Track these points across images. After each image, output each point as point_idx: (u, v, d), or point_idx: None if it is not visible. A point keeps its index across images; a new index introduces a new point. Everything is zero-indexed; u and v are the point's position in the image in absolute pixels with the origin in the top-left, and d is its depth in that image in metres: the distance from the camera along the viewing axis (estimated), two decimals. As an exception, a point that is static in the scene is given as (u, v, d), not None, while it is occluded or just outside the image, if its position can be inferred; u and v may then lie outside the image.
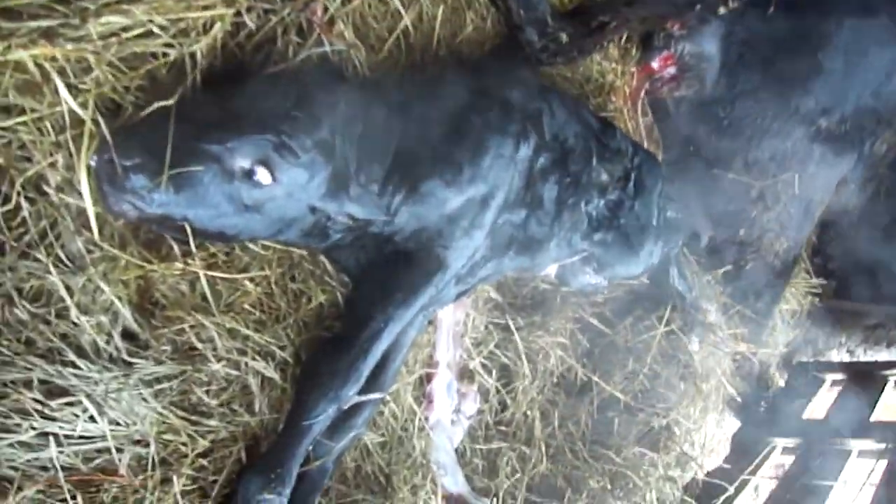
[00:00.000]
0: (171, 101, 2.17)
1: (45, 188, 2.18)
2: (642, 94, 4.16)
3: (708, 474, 4.51)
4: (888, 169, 4.69)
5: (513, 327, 3.51)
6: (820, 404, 5.15)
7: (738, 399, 4.68)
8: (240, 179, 2.24)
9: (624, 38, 3.99)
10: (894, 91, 4.23)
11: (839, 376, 5.37)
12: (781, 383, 5.35)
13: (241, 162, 2.22)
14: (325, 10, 2.77)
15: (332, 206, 2.49)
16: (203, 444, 2.60)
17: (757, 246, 4.41)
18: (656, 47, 4.02)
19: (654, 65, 4.06)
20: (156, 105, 2.17)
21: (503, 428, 3.62)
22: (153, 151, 2.05)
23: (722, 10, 3.82)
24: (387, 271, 2.76)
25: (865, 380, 5.16)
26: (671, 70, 4.08)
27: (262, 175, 2.26)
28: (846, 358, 5.56)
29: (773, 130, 4.05)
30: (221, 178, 2.20)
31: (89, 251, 2.29)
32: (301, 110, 2.36)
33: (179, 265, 2.49)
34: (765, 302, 4.73)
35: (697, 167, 4.20)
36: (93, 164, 2.06)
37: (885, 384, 5.03)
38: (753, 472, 4.54)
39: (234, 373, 2.67)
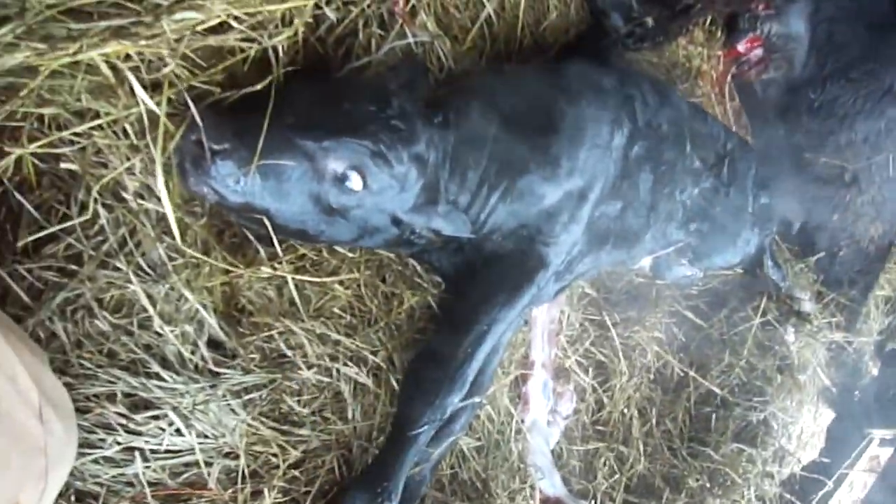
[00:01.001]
0: (260, 87, 2.14)
1: (123, 194, 2.12)
2: (729, 77, 4.06)
3: (804, 468, 4.37)
4: None
5: (609, 323, 3.42)
6: (916, 393, 4.99)
7: (833, 390, 4.54)
8: (330, 181, 2.18)
9: (709, 21, 3.90)
10: None
11: (935, 364, 5.19)
12: (875, 372, 5.19)
13: (335, 164, 2.16)
14: (407, 0, 2.69)
15: (418, 221, 2.42)
16: (295, 454, 2.55)
17: (851, 231, 4.25)
18: (742, 29, 3.91)
19: (741, 47, 3.95)
20: (250, 88, 2.14)
21: (600, 427, 3.54)
22: (243, 138, 2.00)
23: (809, -12, 3.71)
24: (487, 272, 2.68)
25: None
26: (758, 52, 3.96)
27: (355, 181, 2.19)
28: (942, 344, 5.38)
29: (866, 110, 3.89)
30: (311, 176, 2.15)
31: (171, 258, 2.22)
32: (402, 120, 2.28)
33: (266, 269, 2.43)
34: (859, 289, 4.57)
35: (788, 151, 4.06)
36: (180, 144, 2.01)
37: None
38: (851, 466, 4.41)
39: (326, 380, 2.61)
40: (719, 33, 3.98)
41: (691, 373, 3.73)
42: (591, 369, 3.46)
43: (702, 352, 3.85)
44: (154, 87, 2.03)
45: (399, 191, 2.31)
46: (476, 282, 2.68)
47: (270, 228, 2.17)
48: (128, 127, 2.04)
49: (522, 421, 3.13)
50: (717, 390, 3.77)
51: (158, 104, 1.97)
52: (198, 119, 1.94)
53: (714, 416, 3.84)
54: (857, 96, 3.89)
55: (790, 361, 4.09)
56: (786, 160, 4.03)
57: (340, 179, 2.18)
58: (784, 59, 3.97)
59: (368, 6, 2.60)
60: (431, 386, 2.51)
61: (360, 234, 2.37)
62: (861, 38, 3.88)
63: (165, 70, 2.02)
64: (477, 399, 2.73)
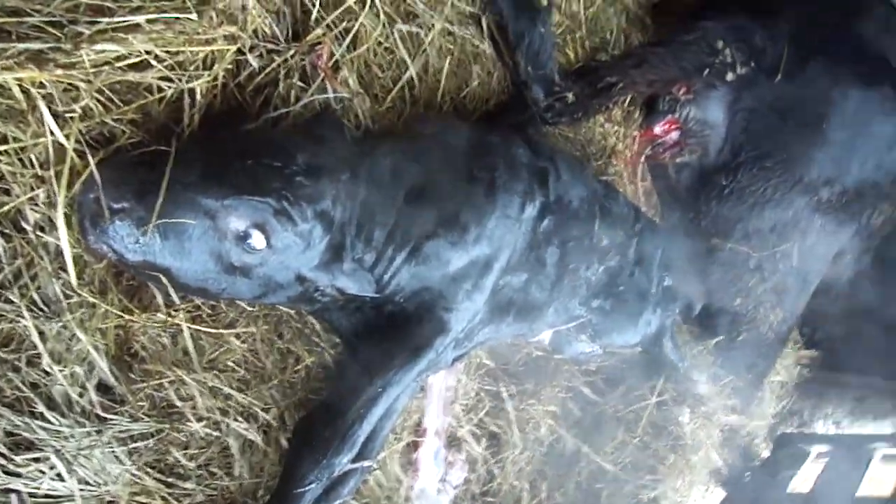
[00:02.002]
0: (170, 147, 2.08)
1: (24, 224, 2.06)
2: (643, 158, 4.10)
3: (693, 547, 4.40)
4: (883, 241, 4.63)
5: (505, 395, 3.40)
6: (805, 477, 5.05)
7: (724, 471, 4.59)
8: (232, 240, 2.15)
9: (628, 100, 3.93)
10: (894, 163, 4.19)
11: (825, 448, 5.27)
12: (766, 454, 5.26)
13: (237, 223, 2.12)
14: (331, 55, 2.69)
15: (323, 279, 2.39)
16: (178, 508, 2.46)
17: (752, 317, 4.31)
18: (661, 111, 3.98)
19: (658, 129, 4.01)
20: (153, 148, 2.09)
21: (489, 499, 3.49)
22: (143, 197, 1.97)
23: (730, 77, 3.79)
24: (385, 333, 2.64)
25: (851, 452, 5.06)
26: (674, 135, 4.03)
27: (257, 239, 2.16)
28: (832, 430, 5.49)
29: (774, 200, 3.97)
30: (213, 235, 2.11)
31: (67, 296, 2.16)
32: (307, 177, 2.26)
33: (162, 316, 2.39)
34: (756, 373, 4.64)
35: (696, 235, 4.12)
36: (80, 200, 1.97)
37: (872, 457, 4.93)
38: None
39: (214, 434, 2.55)
40: (637, 113, 4.03)
41: (585, 448, 3.72)
42: (483, 439, 3.42)
43: (596, 428, 3.84)
44: (67, 119, 2.00)
45: (304, 249, 2.29)
46: (374, 342, 2.65)
47: (170, 286, 2.14)
48: (34, 156, 2.00)
49: (412, 488, 3.08)
50: (609, 467, 3.76)
51: (68, 136, 1.94)
52: (96, 176, 1.90)
53: (605, 492, 3.82)
54: (768, 186, 3.97)
55: (684, 442, 4.12)
56: (693, 243, 4.08)
57: (242, 238, 2.14)
58: (699, 145, 4.05)
59: (292, 57, 2.59)
60: (320, 444, 2.45)
61: (263, 291, 2.33)
62: (776, 129, 3.96)
63: (79, 103, 1.99)
64: (367, 463, 2.68)
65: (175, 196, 2.00)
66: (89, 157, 1.92)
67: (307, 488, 2.42)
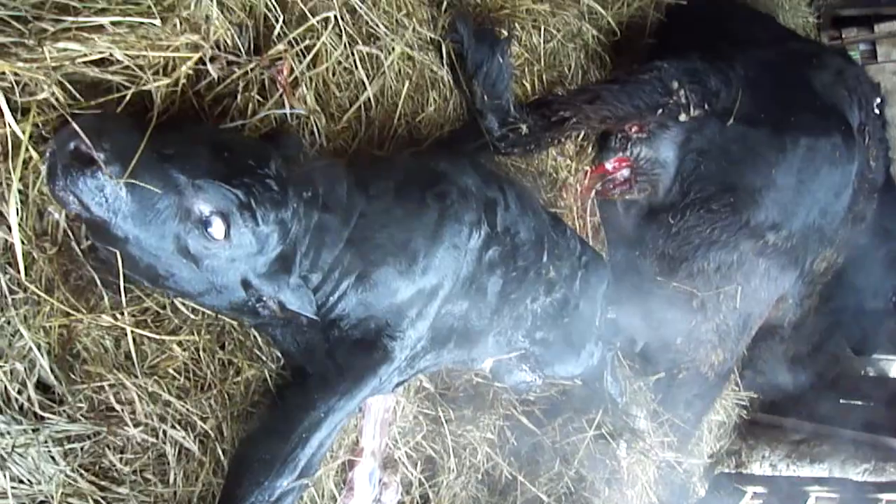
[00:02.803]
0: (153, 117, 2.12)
1: (-29, 215, 2.05)
2: (593, 193, 4.14)
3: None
4: (824, 287, 4.71)
5: (443, 420, 3.40)
6: (740, 518, 5.12)
7: (660, 508, 4.62)
8: (193, 222, 2.15)
9: (581, 135, 3.97)
10: (840, 210, 4.30)
11: (760, 489, 5.33)
12: (702, 493, 5.30)
13: (202, 205, 2.13)
14: (291, 71, 2.71)
15: (267, 289, 2.39)
16: (110, 512, 2.44)
17: (692, 356, 4.36)
18: (612, 148, 4.03)
19: (609, 165, 4.05)
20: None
21: (423, 522, 3.49)
22: (120, 152, 1.97)
23: (683, 118, 3.85)
24: (330, 359, 2.65)
25: (787, 495, 5.13)
26: (625, 172, 4.08)
27: (217, 228, 2.16)
28: (768, 471, 5.53)
29: (721, 241, 4.02)
30: (176, 213, 2.12)
31: (12, 291, 2.15)
32: (276, 183, 2.28)
33: (107, 318, 2.37)
34: (694, 412, 4.70)
35: (641, 272, 4.17)
36: (51, 146, 1.98)
37: (807, 500, 4.99)
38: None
39: (151, 440, 2.52)
40: (590, 149, 4.07)
41: (520, 477, 3.72)
42: (419, 463, 3.42)
43: (532, 457, 3.84)
44: (24, 113, 1.99)
45: (257, 251, 2.29)
46: (318, 367, 2.66)
47: (120, 260, 2.13)
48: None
49: (345, 507, 3.07)
50: (544, 497, 3.76)
51: (24, 130, 1.93)
52: (77, 127, 1.91)
53: (539, 523, 3.82)
54: (715, 227, 4.02)
55: (620, 476, 4.13)
56: (638, 280, 4.12)
57: (203, 223, 2.14)
58: (649, 183, 4.09)
59: (252, 70, 2.60)
60: (261, 467, 2.43)
61: (207, 288, 2.32)
62: (726, 172, 4.02)
63: (39, 96, 1.98)
64: (304, 481, 2.66)
65: (150, 163, 2.01)
66: (33, 154, 1.93)
67: None
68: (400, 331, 2.69)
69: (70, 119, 1.93)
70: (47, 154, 2.00)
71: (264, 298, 2.41)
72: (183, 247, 2.17)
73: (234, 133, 2.46)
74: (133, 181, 1.98)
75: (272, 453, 2.45)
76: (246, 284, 2.35)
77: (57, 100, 2.06)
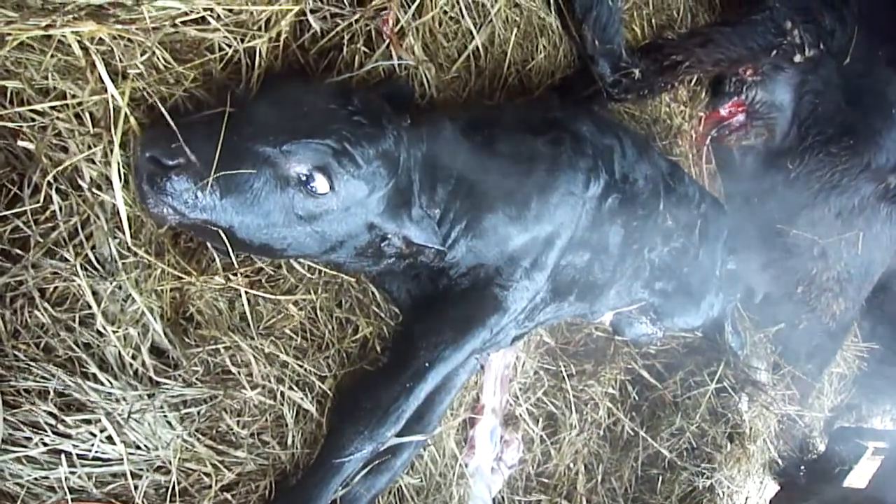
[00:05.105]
0: (226, 108, 2.04)
1: (80, 182, 2.04)
2: (709, 140, 4.03)
3: (744, 539, 4.33)
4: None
5: (564, 375, 3.35)
6: (861, 472, 4.96)
7: (780, 463, 4.50)
8: (294, 187, 2.10)
9: (694, 80, 3.86)
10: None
11: (882, 444, 5.17)
12: (822, 448, 5.17)
13: (298, 167, 2.08)
14: (396, 21, 2.65)
15: (390, 226, 2.33)
16: (229, 476, 2.42)
17: (814, 305, 4.24)
18: (727, 93, 3.92)
19: (724, 111, 3.94)
20: (210, 112, 2.06)
21: (544, 480, 3.45)
22: (200, 151, 1.93)
23: (798, 59, 3.71)
24: (437, 308, 2.60)
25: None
26: (740, 117, 3.96)
27: (320, 183, 2.11)
28: (889, 426, 5.38)
29: (841, 186, 3.90)
30: (274, 183, 2.07)
31: (122, 256, 2.13)
32: (366, 116, 2.20)
33: (220, 280, 2.36)
34: (816, 364, 4.57)
35: (760, 220, 4.04)
36: (135, 163, 1.95)
37: (929, 455, 4.85)
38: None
39: (269, 402, 2.50)
40: (704, 94, 3.97)
41: (642, 432, 3.66)
42: (541, 419, 3.38)
43: (654, 412, 3.79)
44: (124, 78, 1.97)
45: (368, 193, 2.22)
46: (427, 316, 2.60)
47: (230, 246, 2.10)
48: (92, 113, 1.98)
49: (466, 465, 3.03)
50: (665, 452, 3.70)
51: (122, 94, 1.91)
52: (150, 136, 1.90)
53: (660, 478, 3.77)
54: (835, 171, 3.89)
55: (741, 430, 4.03)
56: (757, 228, 4.01)
57: (305, 183, 2.09)
58: (766, 127, 3.98)
59: (356, 21, 2.55)
60: (363, 415, 2.41)
61: (331, 243, 2.28)
62: (844, 113, 3.88)
63: (137, 60, 1.96)
64: (421, 437, 2.63)
65: (232, 148, 1.97)
66: (131, 119, 1.91)
67: (346, 459, 2.38)
68: (513, 280, 2.63)
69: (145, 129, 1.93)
70: (132, 172, 1.98)
71: (389, 236, 2.35)
72: (293, 214, 2.13)
73: (302, 84, 2.35)
74: (220, 173, 1.94)
75: (374, 402, 2.43)
76: (369, 226, 2.30)
77: (156, 63, 2.04)
